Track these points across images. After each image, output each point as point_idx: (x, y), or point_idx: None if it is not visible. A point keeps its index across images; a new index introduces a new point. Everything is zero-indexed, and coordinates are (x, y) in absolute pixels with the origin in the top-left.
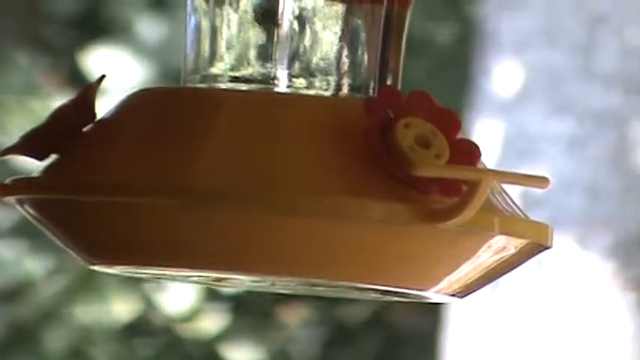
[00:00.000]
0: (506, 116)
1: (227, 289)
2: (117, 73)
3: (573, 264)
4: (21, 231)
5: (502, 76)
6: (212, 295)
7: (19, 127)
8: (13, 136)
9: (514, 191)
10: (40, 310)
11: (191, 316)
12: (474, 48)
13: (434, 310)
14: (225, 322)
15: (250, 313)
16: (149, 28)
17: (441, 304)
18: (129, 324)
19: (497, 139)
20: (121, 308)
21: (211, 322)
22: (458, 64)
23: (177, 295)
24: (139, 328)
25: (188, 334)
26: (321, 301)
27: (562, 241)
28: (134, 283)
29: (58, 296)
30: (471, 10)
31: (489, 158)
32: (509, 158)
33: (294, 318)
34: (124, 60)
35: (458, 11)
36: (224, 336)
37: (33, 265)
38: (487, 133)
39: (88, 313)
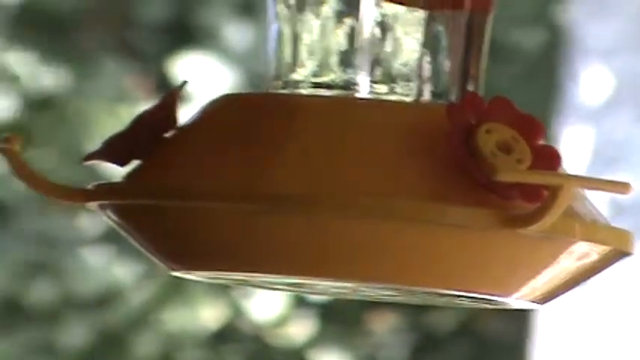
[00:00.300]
0: (595, 123)
1: (314, 297)
2: (204, 79)
3: None
4: (109, 237)
5: (590, 82)
6: (300, 302)
7: (107, 133)
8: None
9: (601, 198)
10: (128, 317)
11: (279, 323)
12: (562, 54)
13: (522, 317)
14: (313, 330)
15: (338, 320)
16: (236, 34)
17: (529, 311)
18: (217, 331)
19: (586, 147)
20: (209, 315)
21: (299, 329)
22: (546, 72)
23: (266, 301)
24: (227, 335)
25: (276, 341)
26: (409, 308)
27: None
28: (222, 289)
29: (146, 303)
30: (559, 17)
31: (577, 165)
32: (598, 165)
33: (382, 325)
34: (211, 66)
35: (545, 18)
36: (312, 343)
37: (122, 271)
38: (575, 140)
39: (176, 319)
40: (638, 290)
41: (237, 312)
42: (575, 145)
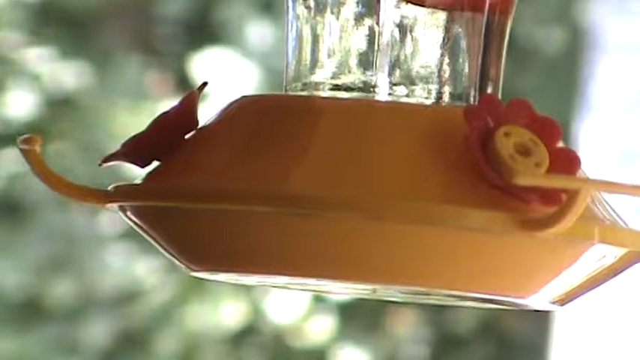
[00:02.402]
0: (617, 122)
1: (334, 297)
2: (224, 77)
3: None
4: (130, 235)
5: (612, 81)
6: (320, 302)
7: (126, 131)
8: (121, 141)
9: (622, 200)
10: (150, 316)
11: (300, 322)
12: (584, 55)
13: (543, 317)
14: (333, 329)
15: (358, 319)
16: (257, 33)
17: (551, 312)
18: (238, 330)
19: (608, 146)
20: (231, 314)
21: (320, 329)
22: (567, 71)
23: (286, 301)
24: (248, 334)
25: (296, 341)
26: (429, 308)
27: None
28: (243, 289)
29: (168, 301)
30: (581, 17)
31: (600, 165)
32: (620, 165)
33: (403, 325)
34: (231, 65)
35: (567, 18)
36: (332, 343)
37: (143, 269)
38: (597, 139)
39: (198, 318)
40: None
41: (258, 311)
42: (597, 145)
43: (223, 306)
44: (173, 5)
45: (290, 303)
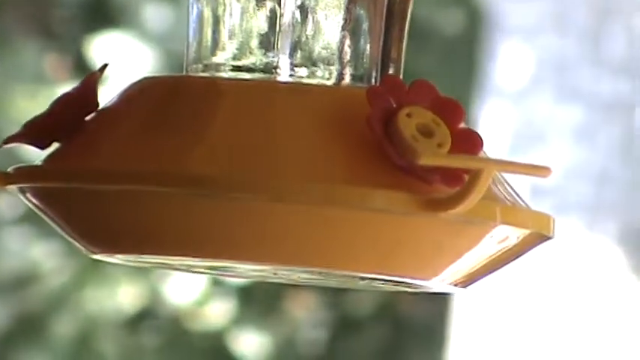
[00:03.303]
0: (515, 104)
1: (233, 279)
2: (123, 60)
3: (581, 252)
4: (28, 219)
5: (510, 63)
6: (218, 285)
7: (25, 115)
8: (20, 125)
9: (521, 180)
10: (47, 299)
11: (197, 305)
12: (482, 36)
13: (441, 299)
14: (231, 312)
15: (257, 302)
16: (155, 15)
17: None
18: (136, 313)
19: (506, 128)
20: (128, 297)
21: (218, 312)
22: (466, 52)
23: (184, 284)
24: (146, 317)
25: (194, 323)
26: (327, 291)
27: (570, 229)
28: (141, 271)
29: (65, 285)
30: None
31: (497, 146)
32: (517, 146)
33: (300, 307)
34: (130, 47)
35: (466, 0)
36: (230, 325)
37: (40, 253)
38: (495, 121)
39: (95, 301)
40: (558, 272)
41: (156, 294)
42: (495, 126)
43: (121, 289)
44: None
45: (188, 286)
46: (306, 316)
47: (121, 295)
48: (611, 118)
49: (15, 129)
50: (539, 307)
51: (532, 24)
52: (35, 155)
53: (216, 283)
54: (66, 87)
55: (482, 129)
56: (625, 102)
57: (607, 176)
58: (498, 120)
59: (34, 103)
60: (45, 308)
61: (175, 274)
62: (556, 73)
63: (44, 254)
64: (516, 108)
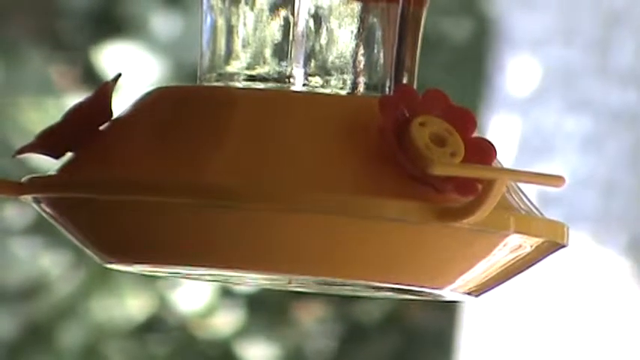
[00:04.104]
0: (522, 114)
1: (241, 288)
2: (131, 70)
3: (589, 262)
4: (36, 228)
5: (518, 73)
6: (227, 293)
7: (33, 125)
8: (28, 135)
9: (529, 189)
10: (55, 308)
11: (206, 314)
12: (490, 46)
13: (450, 308)
14: (240, 320)
15: (265, 311)
16: (163, 25)
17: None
18: (144, 322)
19: (513, 137)
20: (136, 306)
21: (226, 320)
22: (473, 62)
23: (192, 293)
24: (154, 325)
25: (203, 332)
26: (336, 299)
27: (578, 240)
28: (149, 280)
29: (73, 294)
30: (487, 8)
31: (505, 156)
32: (525, 156)
33: (309, 316)
34: (138, 57)
35: (473, 8)
36: (239, 334)
37: (48, 262)
38: (503, 131)
39: (103, 310)
40: (567, 282)
41: (164, 303)
42: (502, 136)
43: (129, 298)
44: None
45: (196, 295)
46: (314, 325)
47: (129, 303)
48: (619, 128)
49: (22, 139)
50: (548, 316)
51: (539, 34)
52: (45, 165)
53: (225, 292)
54: (73, 97)
55: (489, 138)
56: (633, 112)
57: (615, 186)
58: (506, 130)
59: (41, 114)
60: (53, 317)
61: (184, 283)
62: (563, 83)
63: (52, 263)
64: (524, 118)
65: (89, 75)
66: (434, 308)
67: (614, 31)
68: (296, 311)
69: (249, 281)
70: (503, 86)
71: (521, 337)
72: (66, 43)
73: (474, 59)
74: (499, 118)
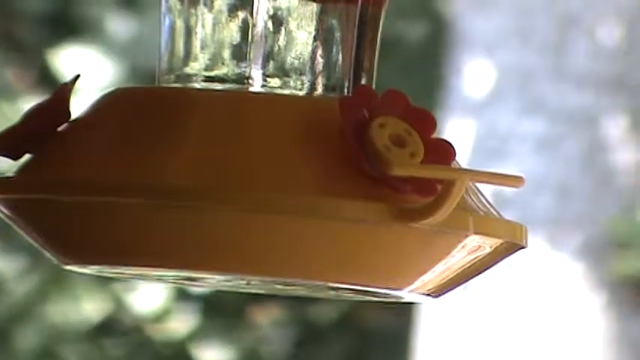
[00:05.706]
0: (477, 115)
1: (197, 289)
2: (87, 72)
3: (544, 264)
4: None
5: (473, 75)
6: (182, 295)
7: None
8: None
9: (485, 191)
10: (10, 311)
11: (161, 316)
12: (445, 47)
13: (405, 309)
14: (195, 322)
15: (221, 313)
16: (119, 26)
17: (414, 303)
18: (99, 324)
19: (468, 139)
20: (92, 308)
21: (181, 322)
22: (429, 64)
23: (148, 295)
24: (110, 327)
25: (158, 334)
26: (291, 301)
27: (532, 241)
28: (104, 282)
29: (29, 296)
30: (443, 9)
31: (460, 157)
32: (480, 158)
33: (264, 318)
34: (93, 59)
35: (428, 10)
36: (194, 336)
37: (4, 264)
38: (458, 132)
39: (58, 312)
40: (522, 283)
41: (119, 305)
42: (457, 137)
43: (84, 300)
44: (34, 0)
45: (152, 297)
46: (270, 326)
47: (84, 306)
48: (574, 129)
49: None
50: (503, 317)
51: (495, 36)
52: (3, 166)
53: (181, 294)
54: (29, 99)
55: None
56: (588, 113)
57: (569, 188)
58: (461, 131)
59: None
60: (8, 320)
61: (139, 285)
62: (519, 85)
63: (7, 266)
64: (479, 119)
65: (45, 77)
66: (390, 309)
67: (570, 33)
68: (252, 313)
69: (209, 282)
70: (458, 88)
71: (476, 338)
72: (22, 45)
73: (429, 60)
74: (455, 120)
